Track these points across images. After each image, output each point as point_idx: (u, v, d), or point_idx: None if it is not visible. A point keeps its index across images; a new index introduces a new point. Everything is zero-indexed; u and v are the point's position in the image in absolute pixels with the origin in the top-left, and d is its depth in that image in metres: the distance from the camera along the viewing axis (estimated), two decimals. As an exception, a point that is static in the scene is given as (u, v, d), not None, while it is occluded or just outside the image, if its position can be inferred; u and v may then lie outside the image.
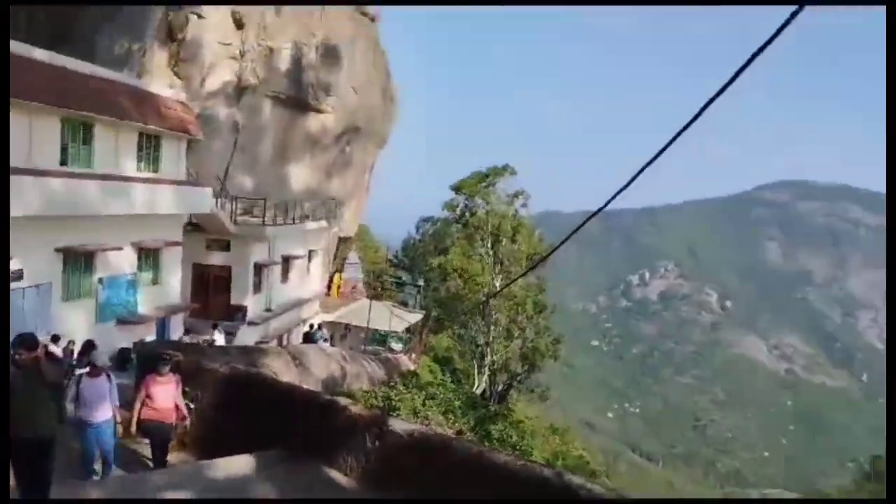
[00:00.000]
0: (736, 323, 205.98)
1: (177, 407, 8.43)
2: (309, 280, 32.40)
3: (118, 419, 8.17)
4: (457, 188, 41.93)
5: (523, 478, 5.42)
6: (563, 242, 9.63)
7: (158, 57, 23.65)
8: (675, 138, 4.89)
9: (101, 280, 18.11)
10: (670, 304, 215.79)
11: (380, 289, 42.99)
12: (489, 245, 38.28)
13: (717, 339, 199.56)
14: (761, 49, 4.10)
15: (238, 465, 7.13)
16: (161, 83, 22.46)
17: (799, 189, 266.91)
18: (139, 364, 10.34)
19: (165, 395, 8.30)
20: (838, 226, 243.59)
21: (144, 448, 8.73)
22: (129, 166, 19.30)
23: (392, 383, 17.25)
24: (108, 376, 8.18)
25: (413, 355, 31.28)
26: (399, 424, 6.82)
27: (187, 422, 8.59)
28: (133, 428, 8.35)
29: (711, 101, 4.54)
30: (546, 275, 41.10)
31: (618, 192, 5.83)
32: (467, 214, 41.39)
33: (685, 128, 4.78)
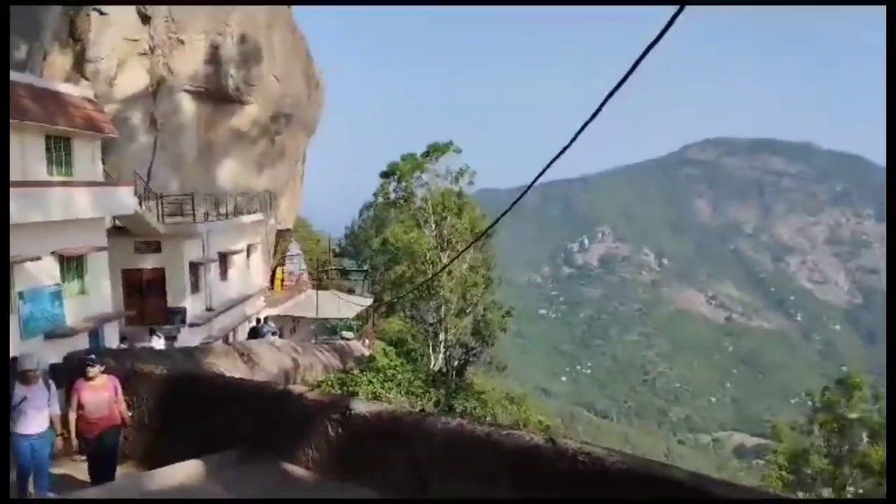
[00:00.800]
0: (674, 278, 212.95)
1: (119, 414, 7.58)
2: (250, 275, 31.26)
3: (58, 431, 7.32)
4: (388, 172, 41.20)
5: (511, 447, 4.94)
6: (505, 213, 9.81)
7: (61, 59, 22.05)
8: (599, 109, 5.08)
9: (21, 294, 16.74)
10: (610, 266, 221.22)
11: (325, 278, 42.05)
12: (433, 224, 37.80)
13: (659, 295, 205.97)
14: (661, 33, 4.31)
15: (186, 472, 6.44)
16: (67, 86, 20.96)
17: (723, 146, 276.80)
18: (68, 374, 9.43)
19: (98, 402, 7.38)
20: (762, 177, 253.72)
21: (81, 468, 7.86)
22: (39, 170, 17.89)
23: (348, 369, 16.66)
24: (47, 382, 7.38)
25: (366, 340, 30.65)
26: (363, 407, 6.27)
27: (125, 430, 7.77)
28: (74, 443, 7.43)
29: (629, 73, 4.70)
30: (492, 251, 41.02)
31: (550, 163, 6.14)
32: (405, 195, 40.78)
33: (607, 98, 4.95)
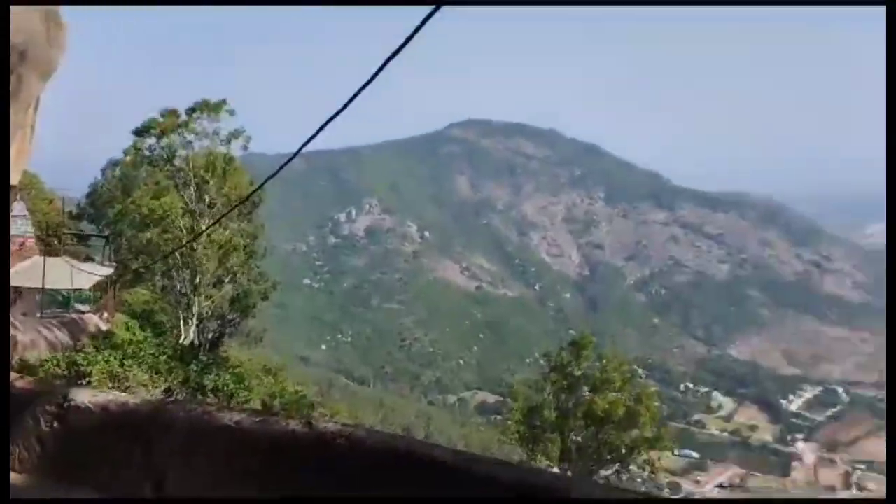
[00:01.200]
0: (434, 250, 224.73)
1: None
2: (-46, 238, 26.30)
3: None
4: (143, 129, 36.81)
5: (265, 435, 4.63)
6: (267, 180, 9.62)
7: None
8: (366, 84, 5.20)
9: None
10: (376, 237, 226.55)
11: (58, 244, 36.89)
12: (193, 188, 34.79)
13: (419, 265, 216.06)
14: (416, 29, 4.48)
15: None
16: None
17: (482, 127, 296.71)
18: None
19: None
20: (514, 158, 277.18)
21: None
22: None
23: (80, 347, 14.83)
24: None
25: (105, 314, 27.64)
26: (86, 396, 5.53)
27: None
28: None
29: (393, 55, 4.86)
30: (260, 220, 39.10)
31: (318, 131, 6.11)
32: (164, 155, 36.87)
33: (375, 74, 5.08)
